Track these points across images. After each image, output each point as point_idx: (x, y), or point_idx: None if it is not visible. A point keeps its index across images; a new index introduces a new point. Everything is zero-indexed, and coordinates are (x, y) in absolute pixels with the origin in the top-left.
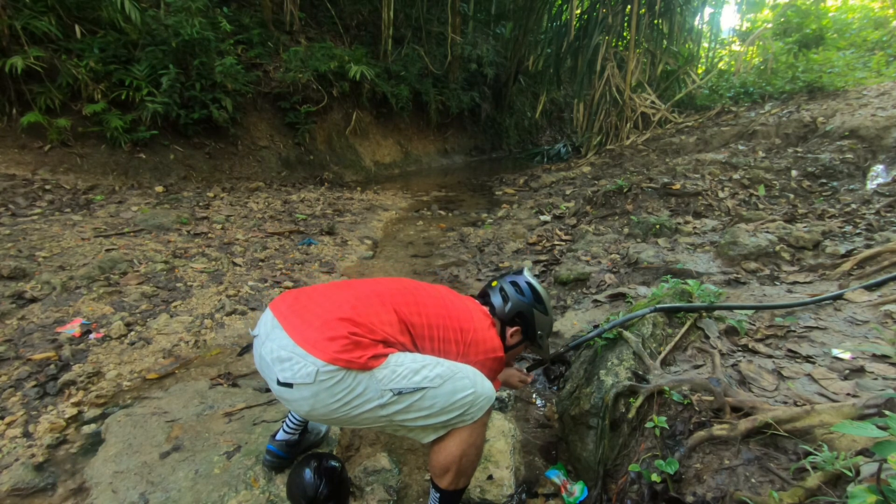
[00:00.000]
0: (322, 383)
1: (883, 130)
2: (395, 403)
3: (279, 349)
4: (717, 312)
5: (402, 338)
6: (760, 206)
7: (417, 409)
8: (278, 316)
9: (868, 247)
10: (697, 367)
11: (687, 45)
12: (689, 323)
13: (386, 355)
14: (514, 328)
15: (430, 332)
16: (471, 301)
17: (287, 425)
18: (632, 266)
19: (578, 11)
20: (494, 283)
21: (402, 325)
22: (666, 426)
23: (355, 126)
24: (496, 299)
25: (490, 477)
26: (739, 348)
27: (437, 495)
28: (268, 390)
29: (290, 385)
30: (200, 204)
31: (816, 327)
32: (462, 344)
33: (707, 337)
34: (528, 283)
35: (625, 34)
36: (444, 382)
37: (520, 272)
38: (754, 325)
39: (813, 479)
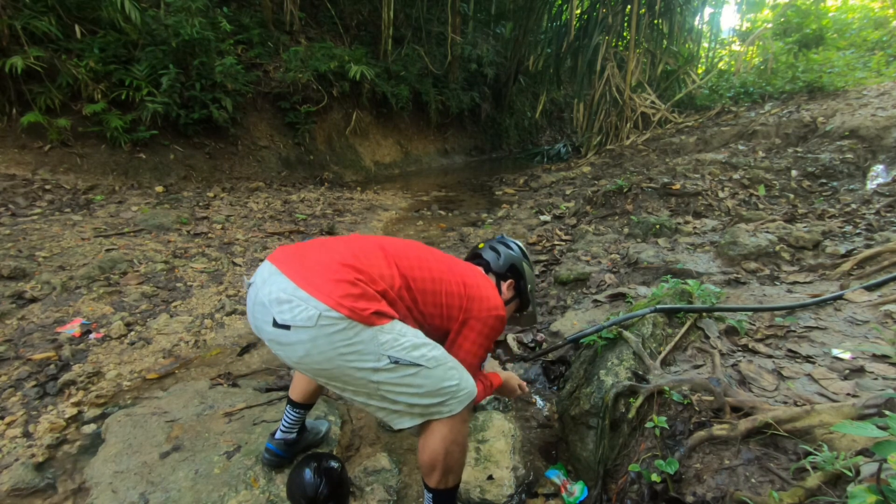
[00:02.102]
0: (323, 328)
1: (883, 130)
2: (389, 372)
3: (279, 291)
4: (717, 312)
5: (404, 293)
6: (760, 206)
7: (407, 385)
8: (277, 263)
9: (868, 247)
10: (697, 367)
11: (687, 45)
12: (689, 323)
13: (390, 318)
14: (509, 281)
15: (433, 286)
16: (468, 264)
17: (284, 423)
18: (632, 266)
19: (578, 11)
20: (481, 245)
21: (403, 279)
22: (666, 426)
23: (355, 126)
24: (489, 255)
25: (490, 477)
26: (739, 348)
27: (430, 496)
28: (268, 390)
29: (287, 327)
30: (200, 204)
31: (816, 327)
32: (465, 298)
33: (707, 337)
34: (514, 241)
35: (625, 34)
36: (437, 366)
37: (501, 237)
38: (754, 325)
39: (813, 479)
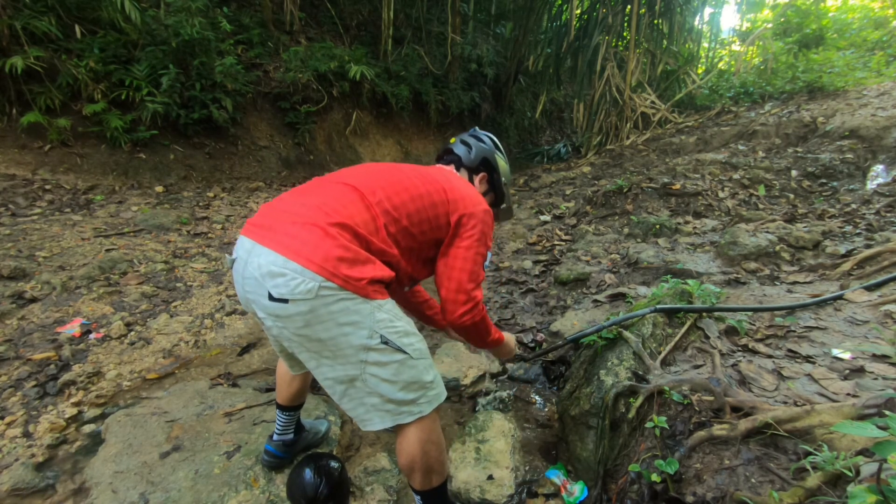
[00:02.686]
0: (322, 299)
1: (883, 130)
2: (378, 352)
3: (269, 264)
4: (717, 312)
5: (391, 228)
6: (760, 206)
7: (390, 369)
8: (256, 236)
9: (868, 247)
10: (697, 367)
11: (687, 45)
12: (689, 323)
13: (385, 290)
14: (482, 174)
15: (416, 204)
16: (436, 167)
17: (278, 426)
18: (632, 266)
19: (578, 11)
20: (453, 140)
21: (385, 215)
22: (666, 426)
23: (355, 126)
24: (460, 150)
25: (490, 477)
26: (739, 348)
27: (419, 498)
28: (268, 390)
29: (285, 300)
30: (200, 204)
31: (816, 327)
32: (448, 203)
33: (707, 337)
34: (486, 133)
35: (625, 34)
36: (420, 358)
37: (473, 130)
38: (754, 325)
39: (813, 479)
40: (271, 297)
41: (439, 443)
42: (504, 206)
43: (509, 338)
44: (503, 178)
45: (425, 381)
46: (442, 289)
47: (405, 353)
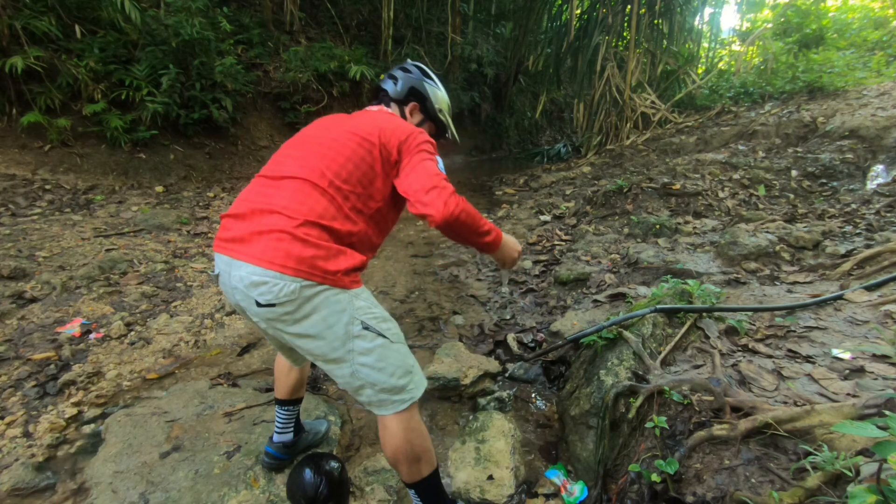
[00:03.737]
0: (305, 296)
1: (883, 130)
2: (361, 339)
3: (250, 275)
4: (717, 312)
5: (351, 200)
6: (760, 206)
7: (374, 355)
8: (230, 253)
9: (868, 247)
10: (697, 367)
11: (687, 45)
12: (689, 323)
13: (359, 277)
14: (412, 105)
15: (360, 168)
16: (364, 112)
17: (277, 424)
18: (632, 266)
19: (578, 11)
20: (382, 77)
21: (337, 192)
22: (666, 426)
23: None
24: (387, 85)
25: (490, 477)
26: (739, 348)
27: (413, 492)
28: (268, 390)
29: (272, 305)
30: (200, 204)
31: (816, 327)
32: (384, 146)
33: (707, 337)
34: (414, 63)
35: (625, 34)
36: (399, 343)
37: (404, 62)
38: (754, 325)
39: (813, 479)
40: (259, 304)
41: (421, 430)
42: (448, 135)
43: (509, 238)
44: (437, 106)
45: (409, 366)
46: (412, 199)
47: (385, 337)
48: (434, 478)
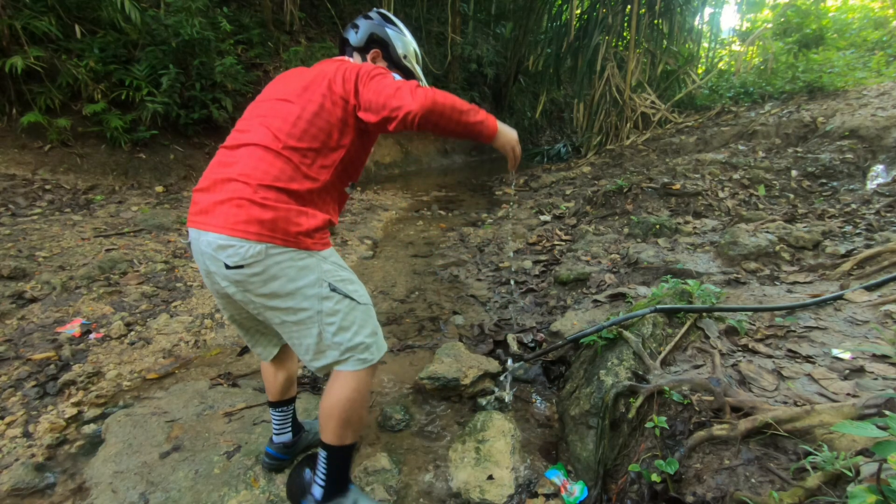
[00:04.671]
0: (272, 257)
1: (883, 130)
2: (329, 300)
3: (216, 240)
4: (717, 312)
5: (308, 158)
6: (760, 206)
7: (340, 315)
8: (197, 226)
9: (868, 247)
10: (697, 367)
11: (687, 45)
12: (689, 323)
13: (327, 238)
14: (373, 52)
15: (318, 121)
16: (325, 62)
17: (274, 426)
18: (632, 266)
19: (578, 11)
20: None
21: (296, 152)
22: (666, 426)
23: None
24: (349, 34)
25: (490, 477)
26: (739, 348)
27: (325, 454)
28: None
29: (240, 266)
30: None
31: (816, 327)
32: (332, 97)
33: (707, 337)
34: (377, 10)
35: (625, 34)
36: (367, 304)
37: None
38: (754, 325)
39: (813, 479)
40: (228, 267)
41: (365, 400)
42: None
43: (505, 127)
44: (401, 52)
45: (375, 326)
46: (381, 113)
47: (352, 298)
48: (350, 450)
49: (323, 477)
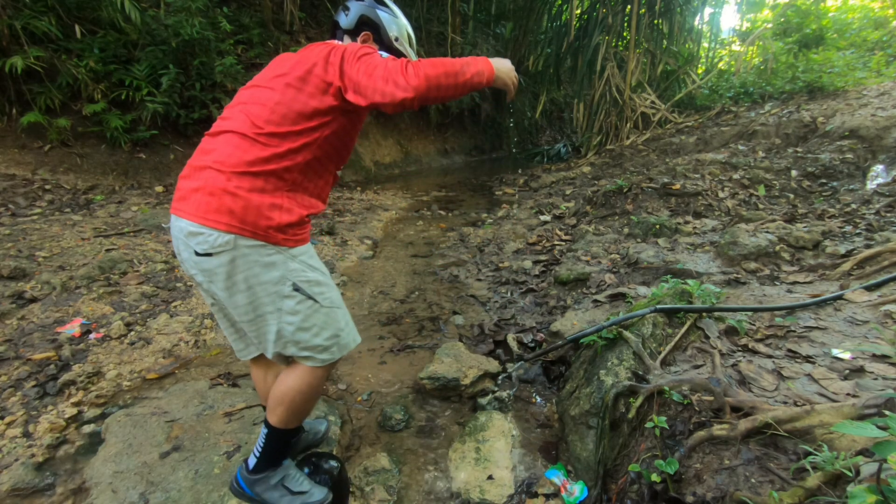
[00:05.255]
0: (240, 249)
1: (883, 130)
2: (291, 299)
3: (188, 227)
4: (717, 312)
5: (291, 152)
6: (760, 206)
7: (301, 316)
8: (175, 212)
9: (868, 247)
10: (697, 367)
11: (687, 45)
12: (689, 323)
13: (300, 235)
14: (363, 35)
15: (296, 103)
16: (311, 45)
17: None
18: (632, 266)
19: (578, 11)
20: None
21: (272, 137)
22: (666, 426)
23: None
24: (340, 17)
25: (490, 477)
26: (739, 348)
27: (266, 432)
28: None
29: (209, 254)
30: None
31: (816, 327)
32: (312, 81)
33: (707, 337)
34: None
35: (625, 34)
36: (331, 307)
37: None
38: (754, 325)
39: (813, 479)
40: (197, 254)
41: (317, 393)
42: None
43: (500, 64)
44: (392, 34)
45: (338, 329)
46: (375, 100)
47: (315, 300)
48: (290, 434)
49: (259, 451)
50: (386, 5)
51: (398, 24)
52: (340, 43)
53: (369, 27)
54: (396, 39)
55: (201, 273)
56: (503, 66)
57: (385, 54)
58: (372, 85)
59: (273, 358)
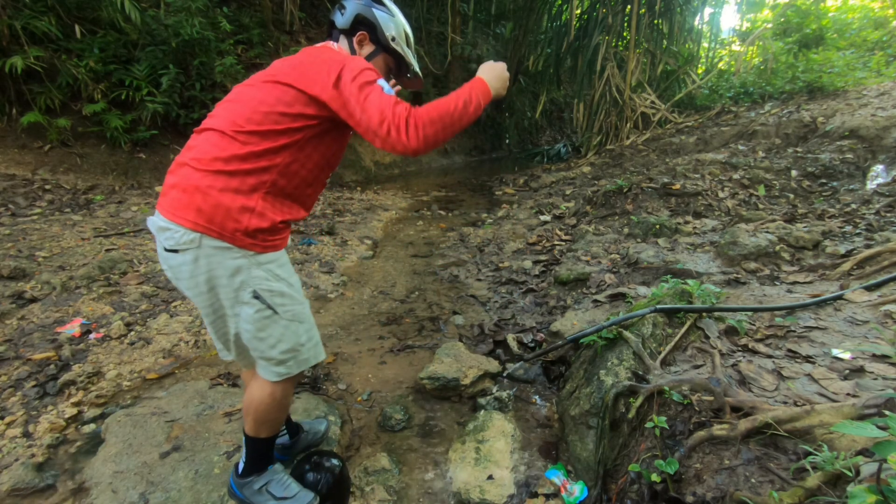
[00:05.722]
0: (204, 249)
1: (883, 130)
2: (248, 305)
3: (159, 221)
4: (717, 312)
5: (268, 151)
6: (760, 206)
7: (257, 325)
8: (157, 207)
9: (868, 247)
10: (697, 367)
11: (687, 45)
12: (688, 323)
13: (271, 242)
14: (359, 35)
15: (280, 105)
16: (301, 51)
17: None
18: (632, 266)
19: (578, 11)
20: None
21: (251, 136)
22: (666, 426)
23: None
24: (336, 17)
25: (490, 477)
26: (739, 348)
27: (245, 439)
28: None
29: (175, 251)
30: None
31: (816, 327)
32: (296, 88)
33: (707, 337)
34: None
35: (625, 34)
36: (292, 321)
37: None
38: (754, 325)
39: (813, 479)
40: (165, 249)
41: (284, 405)
42: (410, 75)
43: (490, 69)
44: (389, 34)
45: (297, 345)
46: (374, 142)
47: (274, 311)
48: (267, 441)
49: (244, 458)
50: (383, 4)
51: (396, 24)
52: (337, 46)
53: (365, 26)
54: (393, 39)
55: (170, 269)
56: (496, 81)
57: (386, 87)
58: (372, 129)
59: (237, 360)
